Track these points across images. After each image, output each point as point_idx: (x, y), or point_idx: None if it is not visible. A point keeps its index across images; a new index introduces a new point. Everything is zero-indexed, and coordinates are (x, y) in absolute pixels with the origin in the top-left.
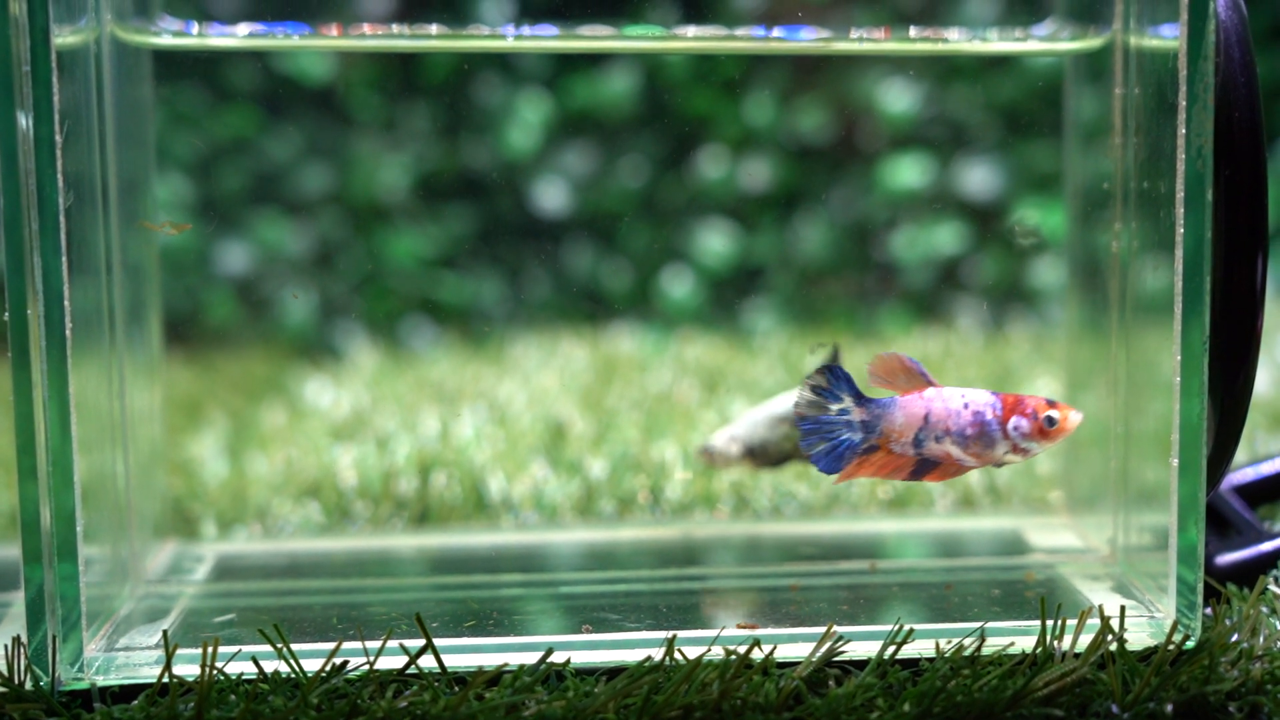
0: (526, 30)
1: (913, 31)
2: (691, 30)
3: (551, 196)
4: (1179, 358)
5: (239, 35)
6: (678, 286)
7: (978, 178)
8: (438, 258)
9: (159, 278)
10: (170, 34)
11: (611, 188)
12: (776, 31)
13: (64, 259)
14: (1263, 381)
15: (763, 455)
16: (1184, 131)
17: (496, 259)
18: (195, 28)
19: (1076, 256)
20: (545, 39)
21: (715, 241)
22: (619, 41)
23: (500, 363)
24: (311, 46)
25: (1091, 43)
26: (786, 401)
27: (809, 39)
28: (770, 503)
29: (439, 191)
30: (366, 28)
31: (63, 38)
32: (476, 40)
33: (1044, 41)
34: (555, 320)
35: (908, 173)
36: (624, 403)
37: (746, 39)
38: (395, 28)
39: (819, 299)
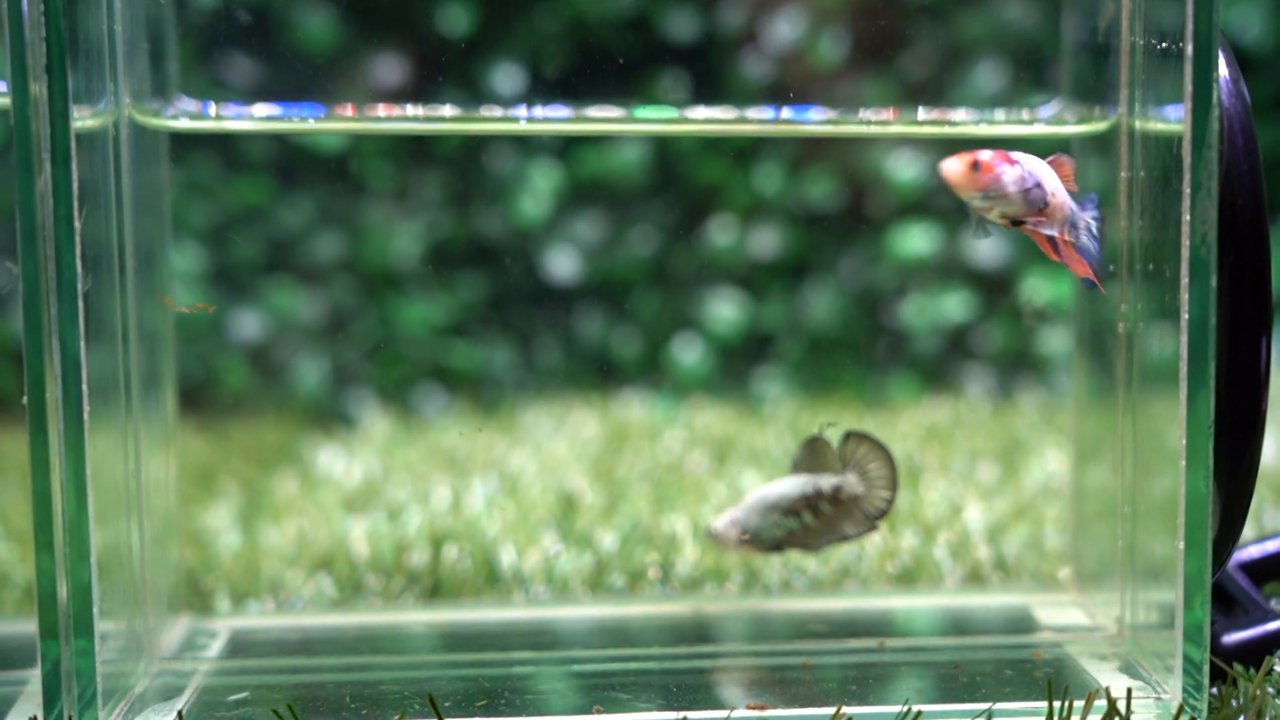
0: (539, 111)
1: (920, 113)
2: (701, 112)
3: (562, 264)
4: (1184, 441)
5: (255, 117)
6: (688, 354)
7: (986, 246)
8: (449, 325)
9: (174, 346)
10: (187, 116)
11: (622, 256)
12: (785, 112)
13: (81, 334)
14: (1270, 453)
15: (757, 541)
16: (1188, 218)
17: (507, 326)
18: (212, 108)
19: (1083, 325)
20: (556, 121)
21: (725, 309)
22: (630, 125)
23: (511, 430)
24: (326, 130)
25: (1097, 126)
26: (777, 488)
27: (817, 119)
28: (780, 577)
29: (450, 259)
30: (381, 108)
31: (82, 120)
32: (490, 124)
33: (1050, 125)
34: (566, 387)
35: (916, 241)
36: (634, 473)
37: (756, 121)
38: (409, 108)
39: (828, 367)
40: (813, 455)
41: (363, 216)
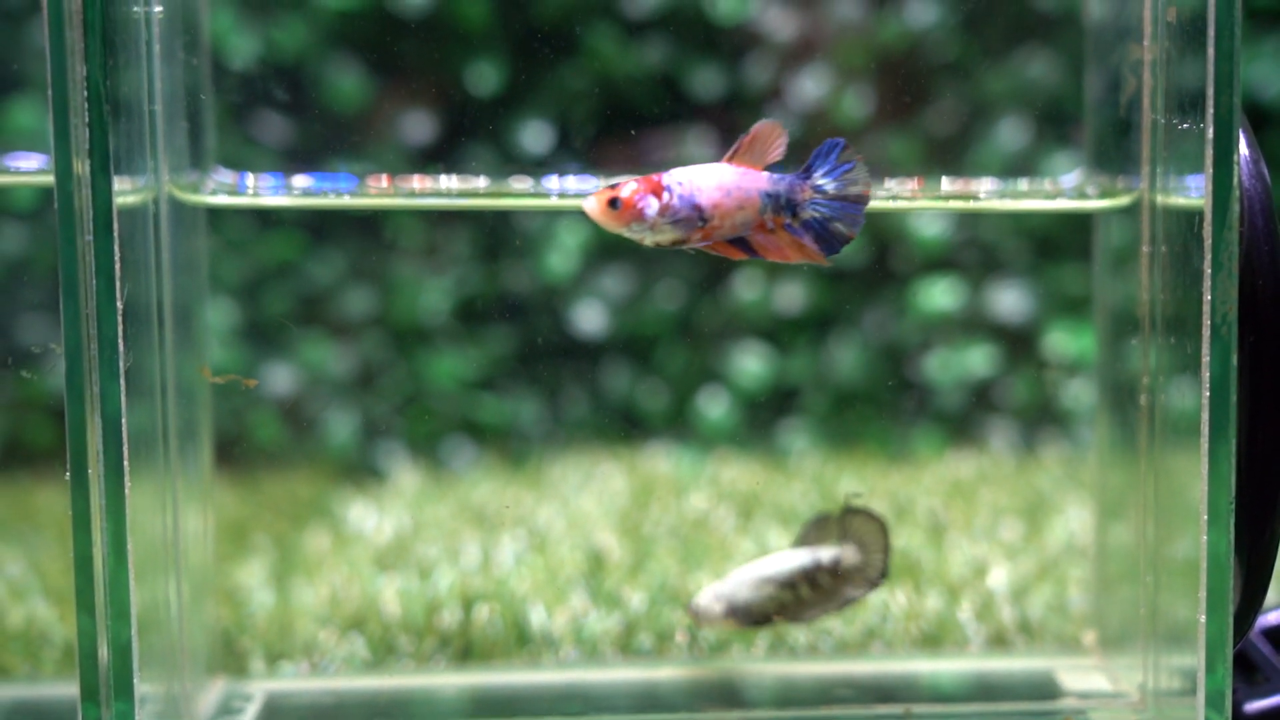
0: (570, 182)
1: (945, 183)
2: None
3: (589, 319)
4: (1205, 498)
5: (291, 190)
6: (713, 407)
7: (1009, 301)
8: (478, 379)
9: (210, 400)
10: (225, 191)
11: (648, 311)
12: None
13: (122, 395)
14: None
15: (745, 615)
16: (1209, 298)
17: (535, 380)
18: (250, 181)
19: (1106, 380)
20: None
21: (750, 363)
22: None
23: (539, 484)
24: (361, 207)
25: (1120, 200)
26: (774, 564)
27: None
28: (807, 640)
29: (479, 314)
30: (415, 180)
31: (123, 197)
32: (520, 199)
33: (1073, 198)
34: (593, 440)
35: (940, 296)
36: (661, 529)
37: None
38: (442, 178)
39: (853, 420)
40: (819, 532)
41: (393, 272)
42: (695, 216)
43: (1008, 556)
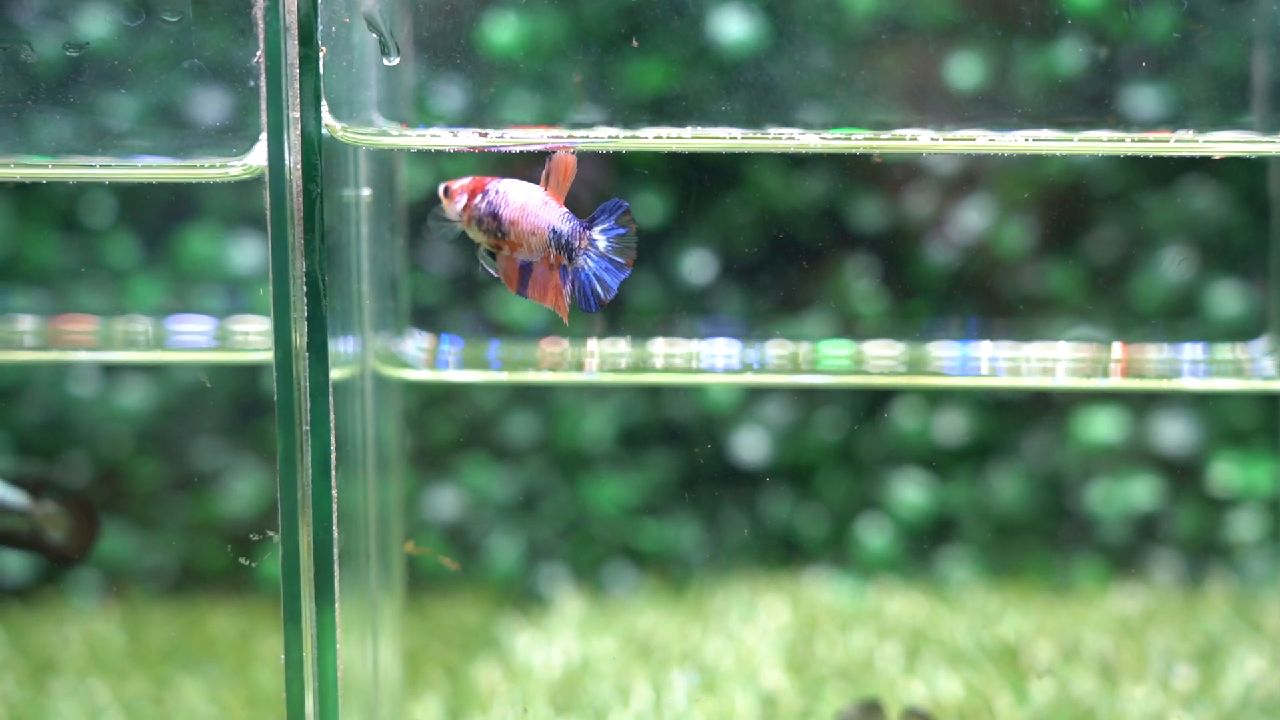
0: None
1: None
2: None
3: (750, 446)
4: None
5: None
6: (874, 536)
7: (1174, 431)
8: (639, 504)
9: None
10: (423, 367)
11: (809, 439)
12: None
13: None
14: None
15: None
16: None
17: (696, 506)
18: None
19: None
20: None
21: (910, 492)
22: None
23: (702, 613)
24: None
25: None
26: None
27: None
28: None
29: (641, 440)
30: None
31: (337, 370)
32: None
33: (1264, 380)
34: (754, 566)
35: (1102, 426)
36: (829, 668)
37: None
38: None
39: (1015, 551)
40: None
41: (555, 398)
42: (494, 227)
43: (1185, 706)
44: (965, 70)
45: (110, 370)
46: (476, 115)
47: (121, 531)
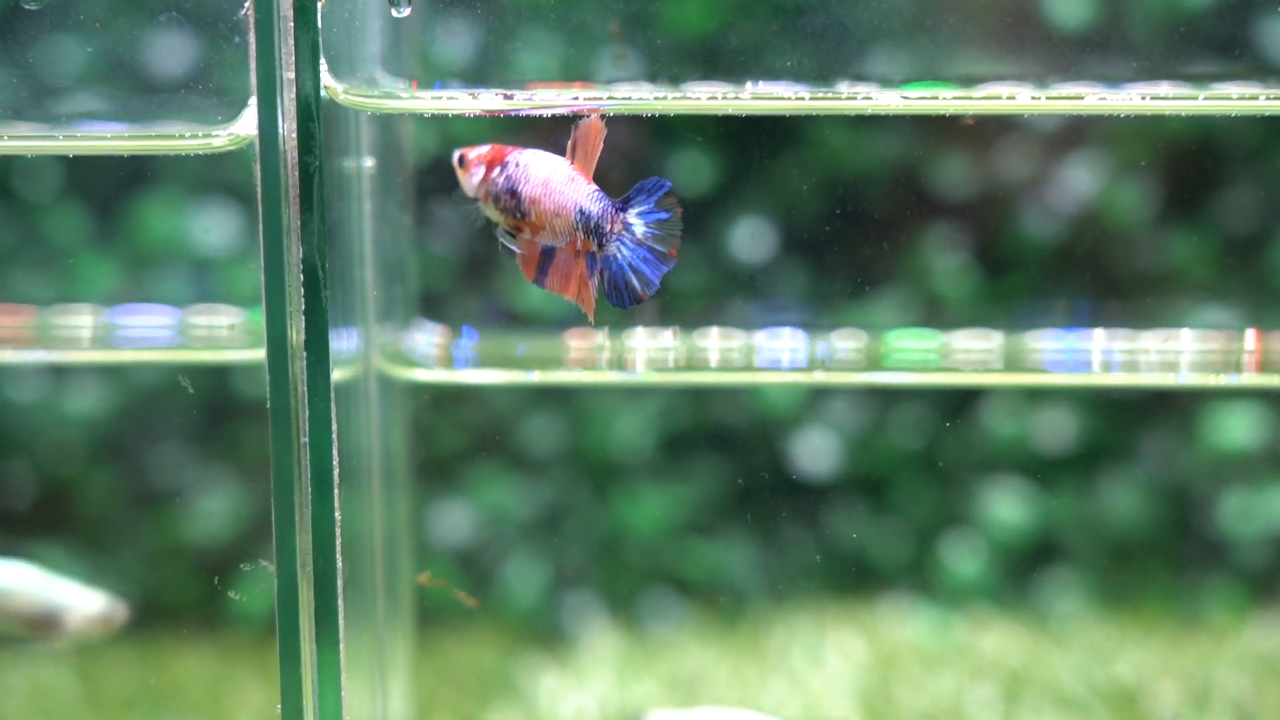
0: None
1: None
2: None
3: (814, 453)
4: None
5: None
6: (962, 560)
7: None
8: (684, 525)
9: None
10: (436, 365)
11: (882, 445)
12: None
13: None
14: None
15: None
16: None
17: (751, 525)
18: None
19: None
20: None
21: (1005, 508)
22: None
23: (759, 651)
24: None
25: None
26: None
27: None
28: None
29: (686, 448)
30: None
31: (339, 371)
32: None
33: None
34: (819, 595)
35: (1235, 428)
36: (909, 716)
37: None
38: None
39: (1131, 576)
40: None
41: (585, 400)
42: (513, 205)
43: None
44: (1070, 9)
45: (58, 370)
46: (498, 71)
47: (70, 559)
